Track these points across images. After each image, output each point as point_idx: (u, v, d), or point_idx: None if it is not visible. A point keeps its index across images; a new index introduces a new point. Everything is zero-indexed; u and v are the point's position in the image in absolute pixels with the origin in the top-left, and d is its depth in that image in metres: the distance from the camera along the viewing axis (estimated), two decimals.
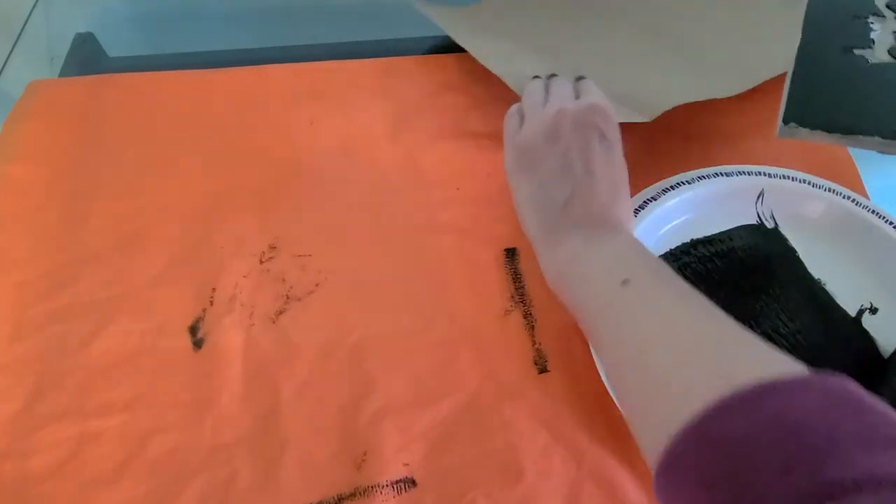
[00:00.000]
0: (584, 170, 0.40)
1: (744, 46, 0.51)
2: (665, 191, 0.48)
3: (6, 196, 0.52)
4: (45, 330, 0.45)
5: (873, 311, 0.44)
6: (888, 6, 0.38)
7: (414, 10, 0.61)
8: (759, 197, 0.49)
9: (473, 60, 0.59)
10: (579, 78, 0.48)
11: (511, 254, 0.49)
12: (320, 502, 0.38)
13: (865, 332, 0.44)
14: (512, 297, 0.46)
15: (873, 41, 0.36)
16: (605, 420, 0.41)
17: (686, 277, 0.46)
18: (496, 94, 0.57)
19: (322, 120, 0.57)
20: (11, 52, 0.66)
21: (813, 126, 0.33)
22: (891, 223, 0.47)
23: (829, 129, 0.33)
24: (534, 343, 0.44)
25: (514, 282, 0.47)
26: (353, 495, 0.38)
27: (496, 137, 0.55)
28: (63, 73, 0.65)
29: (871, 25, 0.37)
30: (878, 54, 0.35)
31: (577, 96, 0.45)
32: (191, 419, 0.42)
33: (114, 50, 0.69)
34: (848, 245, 0.47)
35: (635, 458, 0.39)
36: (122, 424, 0.41)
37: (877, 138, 0.32)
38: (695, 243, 0.48)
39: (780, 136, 0.34)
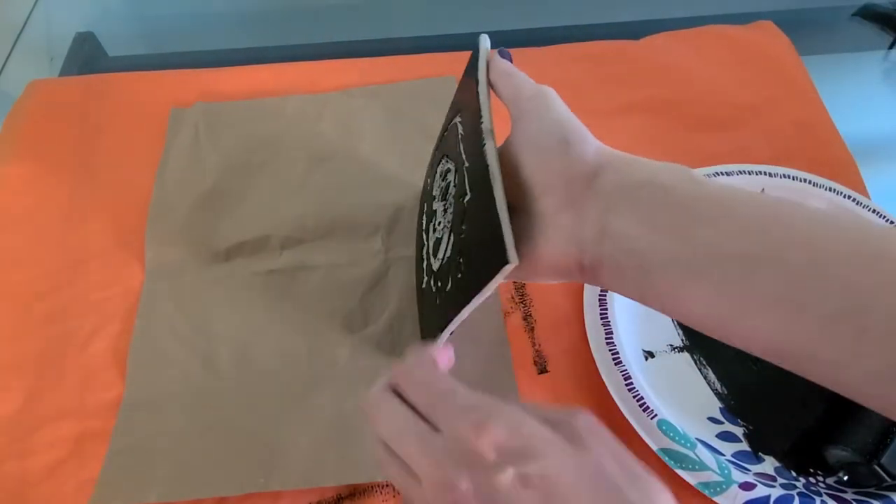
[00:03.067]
0: None
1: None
2: None
3: (6, 196, 0.52)
4: (45, 330, 0.45)
5: None
6: (424, 231, 0.42)
7: (413, 10, 0.61)
8: None
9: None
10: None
11: None
12: (319, 502, 0.38)
13: None
14: (512, 298, 0.46)
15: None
16: (604, 420, 0.40)
17: None
18: None
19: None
20: (11, 51, 0.66)
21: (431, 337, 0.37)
22: (892, 222, 0.47)
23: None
24: (533, 344, 0.44)
25: (514, 283, 0.47)
26: (352, 495, 0.38)
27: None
28: (63, 73, 0.65)
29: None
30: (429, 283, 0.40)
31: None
32: None
33: (114, 49, 0.69)
34: None
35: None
36: None
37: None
38: None
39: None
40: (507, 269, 0.28)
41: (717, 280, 0.25)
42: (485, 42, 0.35)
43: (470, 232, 0.33)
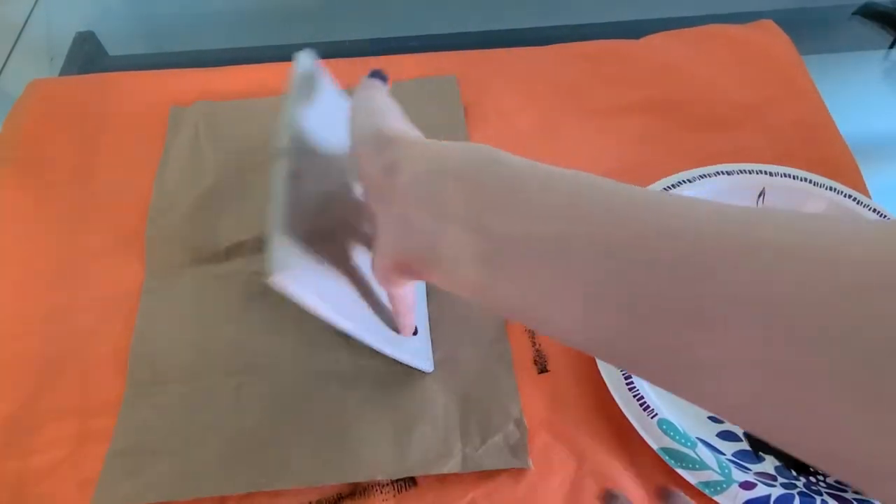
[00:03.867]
0: None
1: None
2: (667, 189, 0.48)
3: (6, 196, 0.52)
4: (46, 330, 0.45)
5: None
6: None
7: (413, 9, 0.61)
8: (760, 195, 0.49)
9: (473, 59, 0.59)
10: None
11: None
12: (320, 501, 0.38)
13: None
14: None
15: None
16: (605, 420, 0.41)
17: None
18: (495, 91, 0.57)
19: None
20: (11, 51, 0.66)
21: None
22: None
23: None
24: (533, 343, 0.44)
25: None
26: (352, 494, 0.38)
27: (495, 135, 0.55)
28: (63, 72, 0.65)
29: None
30: None
31: None
32: None
33: (114, 49, 0.69)
34: None
35: (635, 457, 0.39)
36: None
37: None
38: None
39: None
40: (272, 282, 0.28)
41: (525, 272, 0.23)
42: (303, 59, 0.36)
43: None
